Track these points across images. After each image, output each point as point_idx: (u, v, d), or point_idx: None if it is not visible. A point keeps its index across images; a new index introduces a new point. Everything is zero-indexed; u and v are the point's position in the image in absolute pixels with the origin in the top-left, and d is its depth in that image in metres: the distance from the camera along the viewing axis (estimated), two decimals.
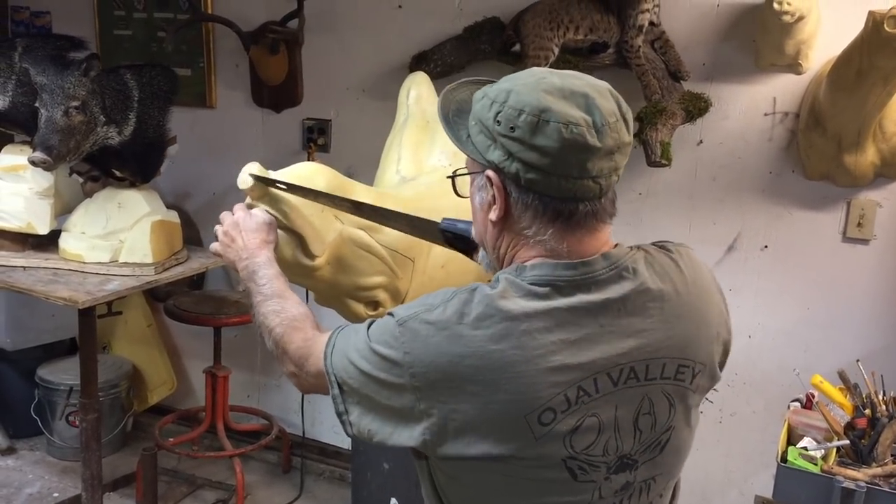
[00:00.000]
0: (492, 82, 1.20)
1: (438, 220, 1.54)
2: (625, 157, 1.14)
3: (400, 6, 3.06)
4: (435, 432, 1.10)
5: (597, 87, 1.13)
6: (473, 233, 1.27)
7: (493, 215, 1.16)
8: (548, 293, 1.11)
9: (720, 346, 1.26)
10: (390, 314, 1.15)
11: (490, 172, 1.14)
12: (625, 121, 1.13)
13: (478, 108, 1.15)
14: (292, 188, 1.54)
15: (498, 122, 1.11)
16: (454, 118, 1.23)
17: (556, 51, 2.60)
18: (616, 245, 1.18)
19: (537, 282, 1.11)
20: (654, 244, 1.24)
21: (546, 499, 1.13)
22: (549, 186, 1.10)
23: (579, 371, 1.09)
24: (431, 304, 1.13)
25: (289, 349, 1.30)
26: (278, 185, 1.53)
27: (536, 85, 1.11)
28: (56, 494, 3.36)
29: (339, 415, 1.18)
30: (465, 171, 1.22)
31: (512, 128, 1.09)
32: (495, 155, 1.12)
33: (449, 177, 1.29)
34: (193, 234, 3.49)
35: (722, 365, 1.28)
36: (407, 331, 1.11)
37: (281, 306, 1.36)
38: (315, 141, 3.30)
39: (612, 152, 1.11)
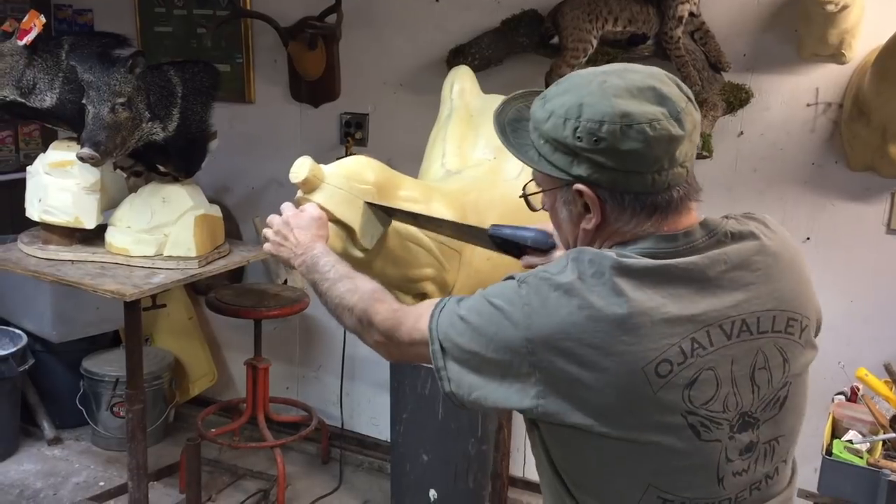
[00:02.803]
0: (537, 92, 1.23)
1: (486, 211, 1.56)
2: (699, 132, 1.18)
3: (437, 0, 3.07)
4: (547, 391, 1.10)
5: (656, 76, 1.16)
6: (558, 241, 1.28)
7: (587, 224, 1.18)
8: (653, 258, 1.14)
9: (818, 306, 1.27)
10: (510, 277, 1.18)
11: (579, 186, 1.15)
12: (691, 100, 1.16)
13: (548, 128, 1.16)
14: (396, 213, 1.59)
15: (578, 137, 1.12)
16: (512, 123, 1.26)
17: (595, 43, 2.59)
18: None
19: (641, 252, 1.14)
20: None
21: (672, 463, 1.12)
22: (643, 184, 1.13)
23: (691, 324, 1.11)
24: (548, 269, 1.15)
25: (375, 320, 1.32)
26: (389, 211, 1.59)
27: (603, 92, 1.12)
28: (102, 483, 3.43)
29: (437, 370, 1.19)
30: (538, 189, 1.25)
31: (595, 140, 1.11)
32: (581, 169, 1.14)
33: (521, 196, 1.31)
34: (233, 227, 3.54)
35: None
36: (529, 287, 1.13)
37: (354, 284, 1.39)
38: (353, 135, 3.33)
39: (692, 134, 1.15)
